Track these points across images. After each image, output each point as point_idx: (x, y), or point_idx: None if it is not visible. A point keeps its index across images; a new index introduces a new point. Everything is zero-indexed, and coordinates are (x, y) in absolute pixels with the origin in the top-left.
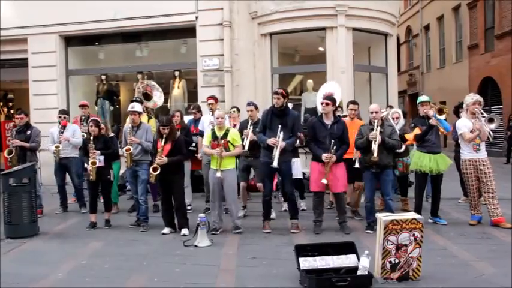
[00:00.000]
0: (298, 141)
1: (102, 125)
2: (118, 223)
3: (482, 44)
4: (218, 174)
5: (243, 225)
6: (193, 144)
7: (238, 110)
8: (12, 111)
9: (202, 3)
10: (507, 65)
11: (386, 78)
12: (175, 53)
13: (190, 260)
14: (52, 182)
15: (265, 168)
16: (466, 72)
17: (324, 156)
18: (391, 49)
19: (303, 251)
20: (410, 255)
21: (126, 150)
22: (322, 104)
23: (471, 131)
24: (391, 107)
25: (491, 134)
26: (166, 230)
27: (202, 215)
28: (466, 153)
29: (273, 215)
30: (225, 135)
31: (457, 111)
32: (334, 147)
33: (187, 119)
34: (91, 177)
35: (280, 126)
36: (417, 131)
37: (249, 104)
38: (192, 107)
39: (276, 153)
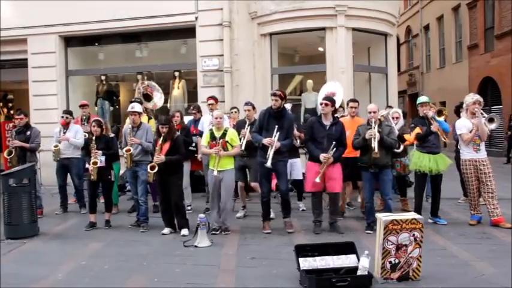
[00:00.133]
0: (298, 141)
1: (104, 125)
2: (118, 223)
3: (482, 44)
4: (215, 173)
5: (242, 226)
6: (193, 145)
7: (238, 111)
8: (12, 112)
9: (202, 3)
10: (507, 65)
11: (386, 78)
12: (175, 54)
13: (190, 260)
14: (52, 182)
15: (262, 168)
16: (466, 72)
17: (322, 156)
18: (390, 49)
19: (303, 251)
20: (410, 255)
21: (126, 151)
22: (321, 104)
23: (470, 131)
24: (390, 107)
25: (489, 132)
26: (166, 230)
27: (202, 215)
28: (466, 153)
29: (272, 215)
30: (223, 135)
31: (458, 111)
32: (334, 150)
33: (187, 119)
34: (92, 177)
35: (276, 127)
36: (417, 130)
37: (246, 104)
38: (191, 108)
39: (270, 153)
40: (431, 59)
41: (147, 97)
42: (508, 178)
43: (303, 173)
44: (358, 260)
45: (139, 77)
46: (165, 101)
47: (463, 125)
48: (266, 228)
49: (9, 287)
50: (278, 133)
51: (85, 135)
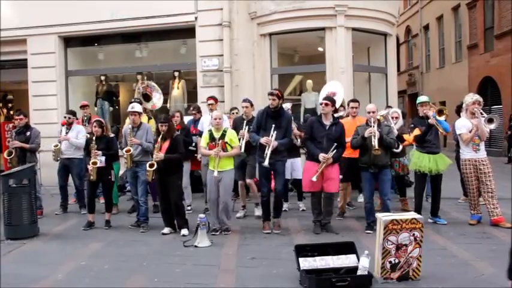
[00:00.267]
0: (299, 140)
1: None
2: (118, 224)
3: (481, 43)
4: (215, 173)
5: (242, 226)
6: (193, 144)
7: (239, 111)
8: (11, 112)
9: (202, 3)
10: (507, 64)
11: (386, 78)
12: (175, 54)
13: (190, 260)
14: (52, 182)
15: (262, 168)
16: (466, 72)
17: (322, 156)
18: (390, 49)
19: (302, 251)
20: (410, 255)
21: (126, 151)
22: (321, 104)
23: (470, 131)
24: (390, 107)
25: (488, 132)
26: (166, 230)
27: (202, 215)
28: (466, 153)
29: (285, 207)
30: (223, 136)
31: (459, 111)
32: (334, 151)
33: (186, 119)
34: (91, 177)
35: (273, 126)
36: (417, 131)
37: (244, 101)
38: (191, 108)
39: (268, 153)
40: (431, 58)
41: (146, 97)
42: (508, 178)
43: None
44: (358, 260)
45: (139, 77)
46: (165, 101)
47: (463, 125)
48: (266, 228)
49: (9, 287)
50: (275, 132)
51: (87, 136)
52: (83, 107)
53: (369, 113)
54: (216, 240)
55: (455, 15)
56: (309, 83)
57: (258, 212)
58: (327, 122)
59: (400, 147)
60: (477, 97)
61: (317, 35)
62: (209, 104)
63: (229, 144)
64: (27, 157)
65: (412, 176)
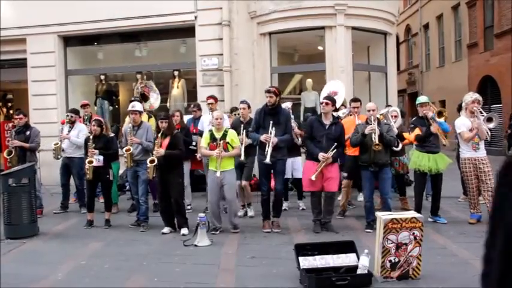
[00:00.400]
0: (300, 139)
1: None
2: (118, 223)
3: (481, 42)
4: (218, 174)
5: (242, 225)
6: (194, 144)
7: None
8: (11, 112)
9: (201, 2)
10: (506, 63)
11: (386, 77)
12: (175, 53)
13: (190, 259)
14: (52, 182)
15: (263, 167)
16: (466, 71)
17: (321, 155)
18: (390, 48)
19: (302, 250)
20: (410, 254)
21: (126, 151)
22: (322, 103)
23: (470, 130)
24: (389, 106)
25: (489, 133)
26: (166, 229)
27: (202, 214)
28: (466, 152)
29: (285, 206)
30: (224, 136)
31: (460, 110)
32: (334, 150)
33: (186, 119)
34: (88, 176)
35: (271, 123)
36: (417, 131)
37: (241, 102)
38: (192, 106)
39: (269, 150)
40: (431, 57)
41: (144, 97)
42: None
43: None
44: (358, 258)
45: (138, 76)
46: (165, 101)
47: (462, 124)
48: (266, 227)
49: (9, 287)
50: (273, 129)
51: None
52: (83, 106)
53: (369, 111)
54: (216, 240)
55: (455, 14)
56: (309, 82)
57: (251, 212)
58: (327, 121)
59: (400, 145)
60: (476, 96)
61: (317, 34)
62: (209, 103)
63: (230, 145)
64: (27, 156)
65: (411, 175)
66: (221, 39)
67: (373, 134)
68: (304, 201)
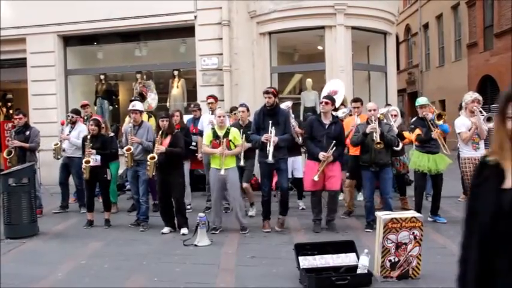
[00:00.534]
0: (300, 138)
1: (102, 125)
2: (118, 223)
3: (481, 42)
4: (222, 171)
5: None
6: (194, 144)
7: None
8: (11, 111)
9: (201, 2)
10: (506, 63)
11: (386, 77)
12: (174, 53)
13: (190, 259)
14: (51, 181)
15: (264, 168)
16: (465, 70)
17: (322, 154)
18: (390, 48)
19: (302, 250)
20: (409, 253)
21: (127, 150)
22: (321, 103)
23: (469, 130)
24: (389, 105)
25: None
26: (166, 229)
27: (202, 214)
28: (465, 152)
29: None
30: (226, 134)
31: (461, 109)
32: (334, 149)
33: (186, 118)
34: (84, 176)
35: (270, 123)
36: (418, 131)
37: (241, 105)
38: (192, 105)
39: (270, 149)
40: (431, 57)
41: (141, 97)
42: None
43: (303, 172)
44: (358, 258)
45: (138, 76)
46: (165, 100)
47: (462, 124)
48: (266, 227)
49: (9, 287)
50: (273, 128)
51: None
52: (83, 106)
53: (370, 111)
54: (215, 239)
55: (454, 14)
56: (309, 81)
57: (252, 211)
58: (327, 121)
59: (400, 145)
60: (476, 95)
61: (316, 33)
62: (209, 103)
63: (232, 142)
64: (26, 156)
65: (411, 175)
66: (221, 38)
67: (374, 133)
68: (304, 201)
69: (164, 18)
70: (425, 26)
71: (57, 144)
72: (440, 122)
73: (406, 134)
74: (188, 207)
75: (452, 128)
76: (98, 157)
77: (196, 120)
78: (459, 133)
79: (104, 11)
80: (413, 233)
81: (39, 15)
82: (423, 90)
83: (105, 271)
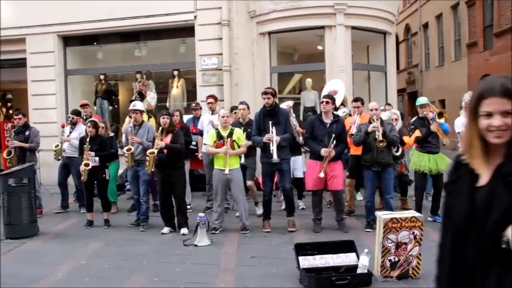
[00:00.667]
0: (301, 137)
1: (102, 125)
2: (117, 223)
3: (481, 42)
4: (226, 171)
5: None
6: (194, 143)
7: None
8: (11, 112)
9: (201, 2)
10: (506, 63)
11: (385, 76)
12: (174, 53)
13: (190, 259)
14: (51, 182)
15: (266, 168)
16: (465, 70)
17: (323, 150)
18: (390, 47)
19: (302, 249)
20: (409, 253)
21: (127, 150)
22: (322, 102)
23: None
24: (389, 104)
25: None
26: (166, 229)
27: (202, 214)
28: None
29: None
30: (230, 134)
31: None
32: (334, 143)
33: (186, 118)
34: (82, 178)
35: (270, 123)
36: (417, 133)
37: (241, 103)
38: (194, 104)
39: (274, 148)
40: (431, 57)
41: (141, 95)
42: None
43: (303, 172)
44: (358, 258)
45: (138, 76)
46: (164, 100)
47: (462, 124)
48: (266, 227)
49: (9, 287)
50: (274, 128)
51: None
52: (83, 106)
53: (372, 110)
54: (215, 239)
55: (454, 14)
56: (309, 81)
57: (259, 211)
58: (328, 120)
59: (400, 150)
60: None
61: (316, 33)
62: (209, 103)
63: (236, 143)
64: (26, 156)
65: (411, 175)
66: (221, 38)
67: (376, 132)
68: (304, 201)
69: (164, 18)
70: (425, 26)
71: (57, 146)
72: (442, 121)
73: (406, 139)
74: (188, 207)
75: (452, 128)
76: (96, 158)
77: (196, 119)
78: (459, 133)
79: (104, 11)
80: (413, 232)
81: (39, 15)
82: (423, 89)
83: (105, 271)
